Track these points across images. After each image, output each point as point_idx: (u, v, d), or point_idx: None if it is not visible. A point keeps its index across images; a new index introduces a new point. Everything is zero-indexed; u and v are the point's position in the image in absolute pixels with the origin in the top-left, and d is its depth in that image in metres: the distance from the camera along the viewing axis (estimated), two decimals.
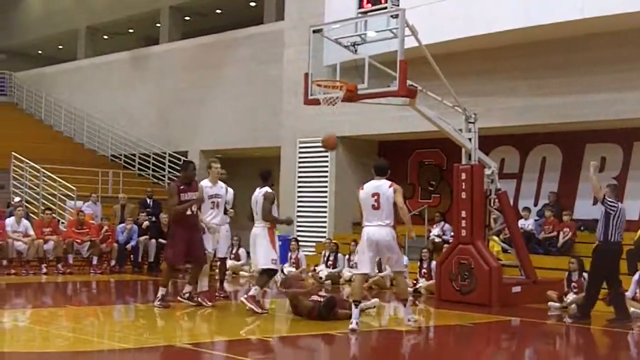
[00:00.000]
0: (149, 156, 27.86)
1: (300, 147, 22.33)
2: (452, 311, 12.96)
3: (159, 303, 12.43)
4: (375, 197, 11.12)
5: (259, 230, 12.51)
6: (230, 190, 13.84)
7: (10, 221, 18.83)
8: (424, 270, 16.82)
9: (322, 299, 11.80)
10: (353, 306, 10.82)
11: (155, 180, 27.50)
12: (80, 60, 34.77)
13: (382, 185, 11.20)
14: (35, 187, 23.32)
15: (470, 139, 15.36)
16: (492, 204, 15.55)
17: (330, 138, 13.72)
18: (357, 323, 10.68)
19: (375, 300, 13.42)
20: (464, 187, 15.16)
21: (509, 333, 12.66)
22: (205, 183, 13.09)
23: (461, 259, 14.94)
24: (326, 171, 21.86)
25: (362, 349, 10.43)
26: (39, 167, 23.26)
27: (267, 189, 12.58)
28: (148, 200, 21.96)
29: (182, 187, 12.50)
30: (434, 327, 13.02)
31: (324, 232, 21.42)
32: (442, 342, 11.44)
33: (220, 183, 13.29)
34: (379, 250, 11.14)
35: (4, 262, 18.28)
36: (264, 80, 24.75)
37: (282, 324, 11.94)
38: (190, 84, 27.42)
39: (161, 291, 12.58)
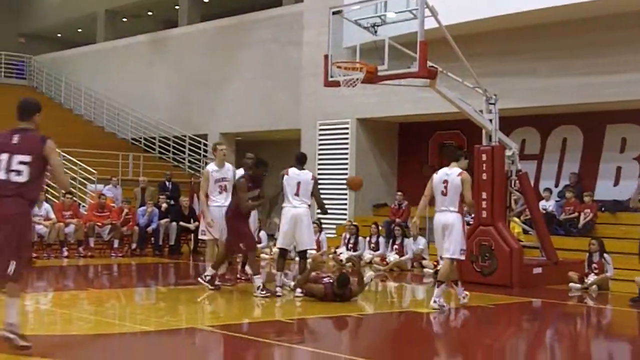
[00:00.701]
0: (169, 139, 27.92)
1: (320, 129, 22.29)
2: (473, 292, 12.90)
3: (216, 283, 12.62)
4: (445, 184, 11.52)
5: (303, 210, 12.34)
6: (239, 172, 13.33)
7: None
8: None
9: (332, 279, 11.84)
10: (435, 285, 11.67)
11: (176, 163, 27.57)
12: (100, 44, 34.82)
13: (452, 174, 11.58)
14: None
15: (490, 120, 15.28)
16: (512, 185, 15.49)
17: (356, 179, 15.52)
18: (434, 301, 11.33)
19: (371, 274, 13.72)
20: (484, 168, 15.10)
21: (530, 314, 12.62)
22: (211, 167, 12.99)
23: (482, 240, 14.91)
24: (346, 153, 21.82)
25: (383, 331, 10.42)
26: (59, 151, 23.29)
27: (311, 172, 12.77)
28: (167, 184, 22.02)
29: (249, 185, 12.36)
30: (455, 308, 13.00)
31: (345, 214, 21.40)
32: (463, 324, 11.42)
33: (228, 165, 13.15)
34: (443, 234, 11.48)
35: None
36: (284, 63, 24.70)
37: (303, 306, 11.94)
38: (210, 66, 27.40)
39: (213, 271, 12.62)
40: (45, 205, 19.03)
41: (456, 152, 11.82)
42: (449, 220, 11.43)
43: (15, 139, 7.59)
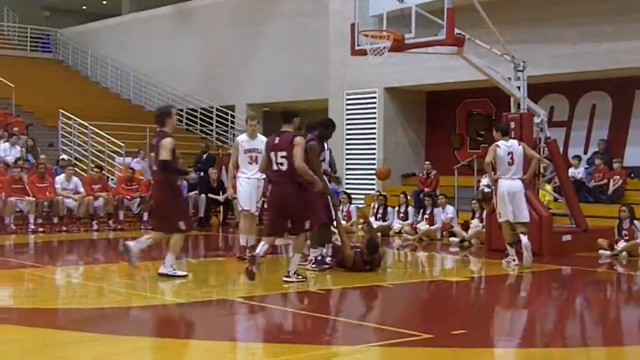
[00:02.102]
0: (196, 111, 27.94)
1: (348, 99, 22.22)
2: (502, 261, 12.91)
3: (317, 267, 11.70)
4: (510, 155, 12.94)
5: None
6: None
7: (60, 179, 19.06)
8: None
9: (360, 248, 11.84)
10: (508, 247, 13.01)
11: (204, 135, 27.60)
12: (125, 15, 34.82)
13: (514, 144, 13.14)
14: (84, 144, 23.53)
15: (519, 87, 15.16)
16: (542, 153, 15.38)
17: (384, 170, 15.66)
18: (512, 259, 12.83)
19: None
20: (513, 136, 14.99)
21: (559, 282, 12.58)
22: (242, 137, 12.69)
23: None
24: (374, 123, 21.75)
25: (414, 299, 10.43)
26: (87, 124, 23.44)
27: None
28: (203, 156, 21.97)
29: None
30: (485, 277, 12.99)
31: (373, 184, 21.36)
32: (494, 292, 11.41)
33: (260, 137, 12.54)
34: (512, 200, 12.93)
35: (55, 220, 18.51)
36: (310, 33, 24.60)
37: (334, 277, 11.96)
38: (236, 37, 27.34)
39: (317, 252, 11.79)
40: (74, 179, 19.16)
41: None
42: (517, 187, 13.02)
43: (277, 140, 10.47)
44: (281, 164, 10.32)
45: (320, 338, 7.71)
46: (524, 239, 12.80)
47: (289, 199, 10.38)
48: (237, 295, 9.84)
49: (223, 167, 20.70)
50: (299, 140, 10.35)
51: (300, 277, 10.53)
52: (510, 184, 12.94)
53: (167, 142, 10.63)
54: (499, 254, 13.35)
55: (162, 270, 10.89)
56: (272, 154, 10.42)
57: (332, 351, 7.08)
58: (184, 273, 11.15)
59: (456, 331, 7.75)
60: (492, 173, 13.12)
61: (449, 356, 6.92)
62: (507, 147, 13.01)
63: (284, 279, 10.46)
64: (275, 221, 10.59)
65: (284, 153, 10.29)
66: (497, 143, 13.05)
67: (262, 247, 10.49)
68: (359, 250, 11.78)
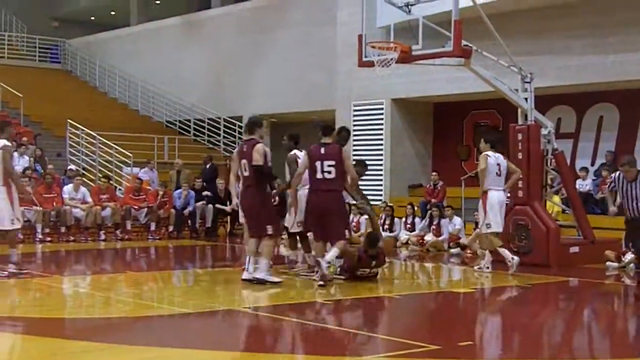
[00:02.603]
0: (203, 121, 27.99)
1: (355, 110, 22.26)
2: (509, 272, 12.90)
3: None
4: (499, 167, 13.12)
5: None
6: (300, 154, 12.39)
7: (68, 188, 19.13)
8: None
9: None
10: (488, 253, 13.37)
11: (211, 146, 27.66)
12: (133, 26, 34.94)
13: (500, 157, 13.25)
14: (92, 154, 23.60)
15: (526, 99, 15.16)
16: (549, 164, 15.38)
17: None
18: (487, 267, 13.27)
19: None
20: (520, 147, 14.99)
21: (567, 293, 12.56)
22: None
23: (518, 220, 14.82)
24: (381, 134, 21.79)
25: (421, 310, 10.42)
26: (95, 134, 23.51)
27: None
28: (206, 166, 22.03)
29: None
30: (492, 288, 12.96)
31: (380, 195, 21.36)
32: (501, 303, 11.40)
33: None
34: (500, 211, 13.22)
35: (63, 229, 18.57)
36: (318, 43, 24.64)
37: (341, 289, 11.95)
38: (244, 47, 27.41)
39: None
40: (82, 189, 19.22)
41: (496, 136, 12.21)
42: (504, 198, 13.44)
43: (323, 150, 11.18)
44: (328, 172, 11.10)
45: (328, 349, 7.71)
46: (505, 250, 13.35)
47: (334, 207, 11.21)
48: (244, 306, 9.86)
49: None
50: (347, 153, 11.55)
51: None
52: (500, 195, 13.21)
53: (260, 147, 11.09)
54: (506, 265, 13.33)
55: (257, 275, 11.12)
56: (318, 163, 11.14)
57: None
58: (279, 280, 11.34)
59: (463, 342, 7.75)
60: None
61: None
62: (495, 157, 13.18)
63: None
64: (318, 227, 11.34)
65: (331, 162, 11.11)
66: (487, 153, 13.18)
67: (332, 255, 11.07)
68: (361, 247, 11.91)
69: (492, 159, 13.11)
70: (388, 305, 10.49)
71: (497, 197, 13.13)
